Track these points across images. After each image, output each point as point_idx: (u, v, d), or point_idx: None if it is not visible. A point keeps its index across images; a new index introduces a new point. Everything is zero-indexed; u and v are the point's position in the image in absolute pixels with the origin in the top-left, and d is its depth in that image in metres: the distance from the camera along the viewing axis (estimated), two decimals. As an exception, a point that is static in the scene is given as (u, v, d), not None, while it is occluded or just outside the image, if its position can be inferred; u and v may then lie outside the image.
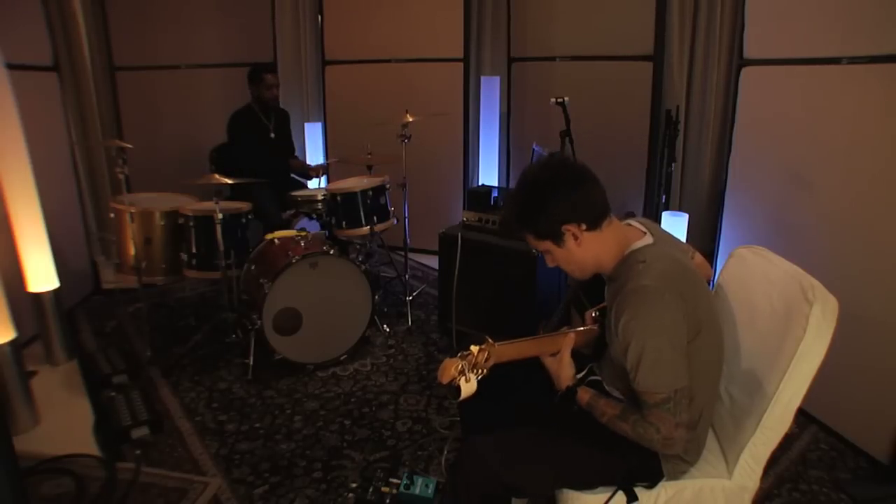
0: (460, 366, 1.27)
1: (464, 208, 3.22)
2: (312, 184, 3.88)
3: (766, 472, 1.46)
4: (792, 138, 2.48)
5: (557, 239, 1.36)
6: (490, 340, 1.32)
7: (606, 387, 1.50)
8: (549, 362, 1.43)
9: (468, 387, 1.28)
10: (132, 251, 2.86)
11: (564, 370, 1.41)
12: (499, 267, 2.81)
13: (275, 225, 3.40)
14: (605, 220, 1.37)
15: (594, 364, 1.58)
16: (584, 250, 1.37)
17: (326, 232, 3.47)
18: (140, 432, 2.32)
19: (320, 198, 3.42)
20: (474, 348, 1.29)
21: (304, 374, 2.82)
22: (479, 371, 1.30)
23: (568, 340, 1.42)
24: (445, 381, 1.28)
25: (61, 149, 3.51)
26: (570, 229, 1.34)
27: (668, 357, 1.25)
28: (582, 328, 1.59)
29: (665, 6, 3.44)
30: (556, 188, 1.33)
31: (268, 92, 3.62)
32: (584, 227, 1.34)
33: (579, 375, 1.46)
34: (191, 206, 2.93)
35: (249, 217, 3.04)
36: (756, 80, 2.67)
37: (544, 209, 1.33)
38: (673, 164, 3.33)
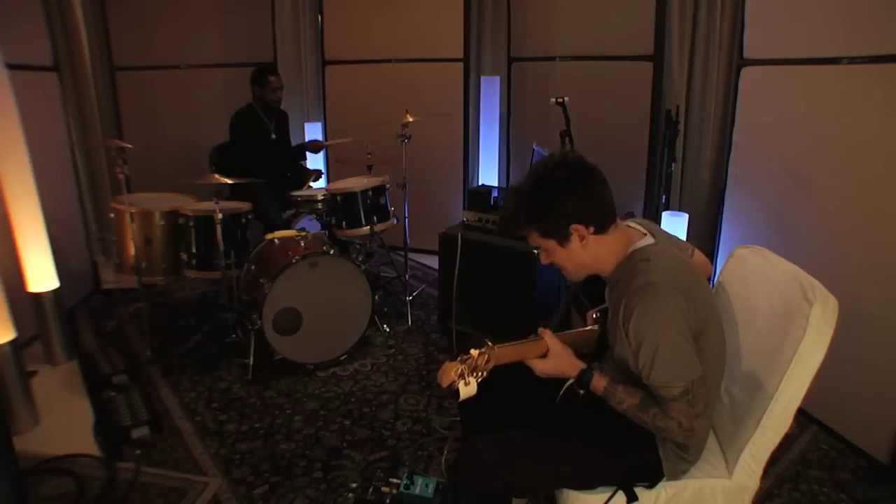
0: (460, 369, 1.27)
1: (464, 208, 3.22)
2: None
3: (766, 472, 1.46)
4: (792, 138, 2.48)
5: (563, 239, 1.35)
6: (490, 343, 1.31)
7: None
8: (542, 365, 1.38)
9: (467, 389, 1.28)
10: (132, 251, 2.86)
11: (563, 359, 1.38)
12: (499, 267, 2.81)
13: (275, 225, 3.40)
14: (612, 226, 1.37)
15: (596, 364, 1.58)
16: (587, 253, 1.37)
17: (326, 232, 3.47)
18: (140, 432, 2.32)
19: (320, 198, 3.42)
20: (474, 352, 1.28)
21: (304, 374, 2.82)
22: (479, 374, 1.29)
23: (548, 339, 1.39)
24: (445, 384, 1.28)
25: (61, 149, 3.51)
26: (577, 230, 1.33)
27: (682, 349, 1.26)
28: (583, 329, 1.59)
29: (665, 6, 3.44)
30: (571, 187, 1.32)
31: (272, 94, 3.63)
32: (591, 229, 1.34)
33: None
34: (191, 206, 2.93)
35: (249, 217, 3.04)
36: (756, 80, 2.67)
37: (556, 207, 1.32)
38: (673, 164, 3.33)
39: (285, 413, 2.53)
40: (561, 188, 1.32)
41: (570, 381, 1.56)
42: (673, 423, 1.26)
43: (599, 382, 1.36)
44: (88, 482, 2.06)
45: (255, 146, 3.63)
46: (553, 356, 1.39)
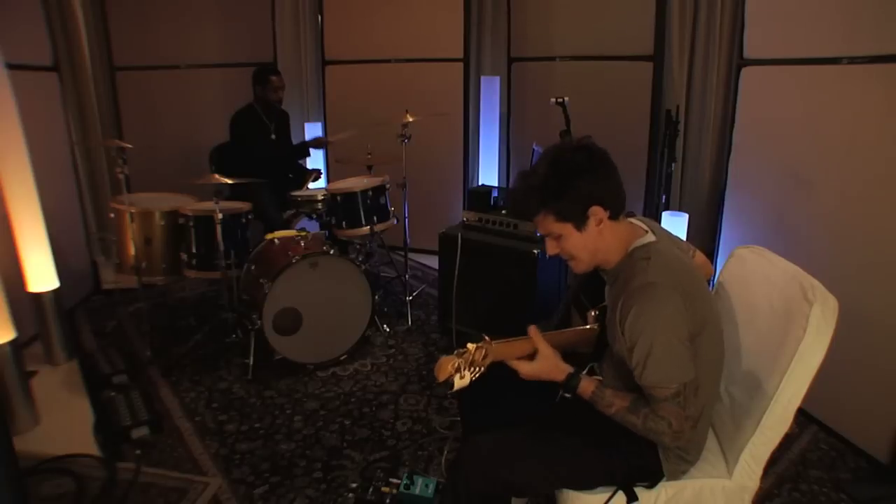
0: (456, 363, 1.27)
1: (464, 208, 3.22)
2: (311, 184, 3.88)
3: (766, 472, 1.46)
4: (792, 138, 2.48)
5: (580, 221, 1.32)
6: (487, 339, 1.31)
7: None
8: (528, 367, 1.36)
9: (460, 382, 1.28)
10: (132, 251, 2.86)
11: (549, 362, 1.36)
12: (499, 267, 2.80)
13: (275, 225, 3.40)
14: (622, 214, 1.37)
15: (595, 364, 1.58)
16: (601, 238, 1.35)
17: (326, 232, 3.47)
18: (140, 432, 2.33)
19: (320, 198, 3.42)
20: (471, 346, 1.29)
21: (304, 374, 2.82)
22: (476, 369, 1.29)
23: (536, 339, 1.37)
24: (442, 378, 1.28)
25: (61, 149, 3.51)
26: (596, 213, 1.31)
27: (676, 351, 1.25)
28: (582, 328, 1.59)
29: (665, 6, 3.44)
30: (592, 169, 1.30)
31: (274, 94, 3.64)
32: (608, 213, 1.33)
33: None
34: (191, 206, 2.93)
35: (249, 217, 3.05)
36: (756, 80, 2.67)
37: (576, 187, 1.29)
38: (673, 164, 3.33)
39: (285, 413, 2.53)
40: (581, 170, 1.30)
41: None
42: (663, 423, 1.26)
43: (587, 387, 1.34)
44: (88, 482, 2.06)
45: (256, 145, 3.63)
46: (540, 358, 1.36)
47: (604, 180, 1.31)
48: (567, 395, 1.38)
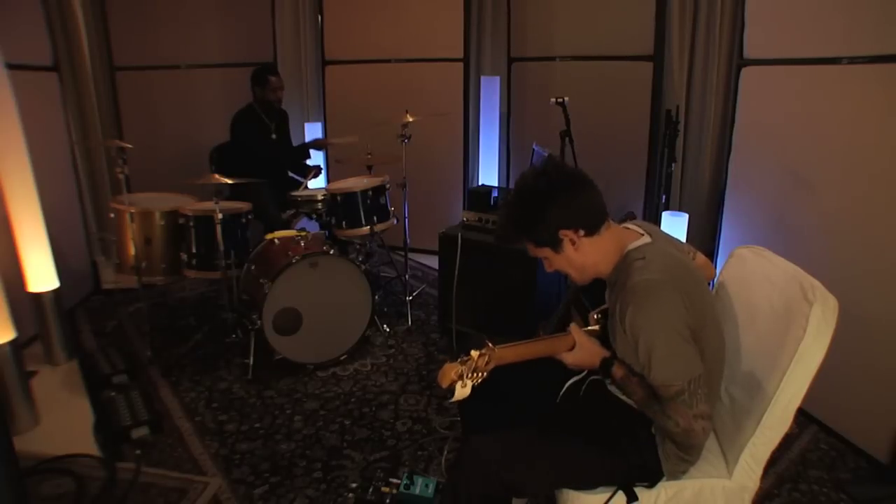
0: (460, 370, 1.27)
1: (464, 208, 3.22)
2: (311, 183, 3.87)
3: (766, 472, 1.46)
4: (792, 138, 2.49)
5: (555, 246, 1.38)
6: (490, 345, 1.32)
7: (609, 387, 1.50)
8: (570, 357, 1.43)
9: (462, 391, 1.29)
10: (132, 251, 2.86)
11: (587, 350, 1.42)
12: (499, 267, 2.81)
13: (275, 225, 3.40)
14: (603, 225, 1.38)
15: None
16: (583, 255, 1.38)
17: (326, 232, 3.47)
18: (140, 432, 2.33)
19: (320, 198, 3.42)
20: (474, 353, 1.29)
21: (304, 374, 2.82)
22: (479, 375, 1.30)
23: (576, 333, 1.44)
24: (445, 385, 1.29)
25: (61, 149, 3.51)
26: (567, 235, 1.35)
27: (679, 348, 1.26)
28: (584, 329, 1.59)
29: (665, 6, 3.44)
30: (552, 196, 1.34)
31: (272, 94, 3.63)
32: (581, 232, 1.36)
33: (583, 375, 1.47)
34: (191, 206, 2.93)
35: (249, 217, 3.05)
36: (756, 80, 2.67)
37: (542, 218, 1.34)
38: (673, 164, 3.33)
39: (285, 413, 2.53)
40: (543, 198, 1.34)
41: (572, 380, 1.57)
42: (671, 422, 1.27)
43: (619, 370, 1.39)
44: (88, 482, 2.06)
45: (258, 146, 3.63)
46: (580, 349, 1.42)
47: (567, 206, 1.34)
48: (606, 378, 1.44)
